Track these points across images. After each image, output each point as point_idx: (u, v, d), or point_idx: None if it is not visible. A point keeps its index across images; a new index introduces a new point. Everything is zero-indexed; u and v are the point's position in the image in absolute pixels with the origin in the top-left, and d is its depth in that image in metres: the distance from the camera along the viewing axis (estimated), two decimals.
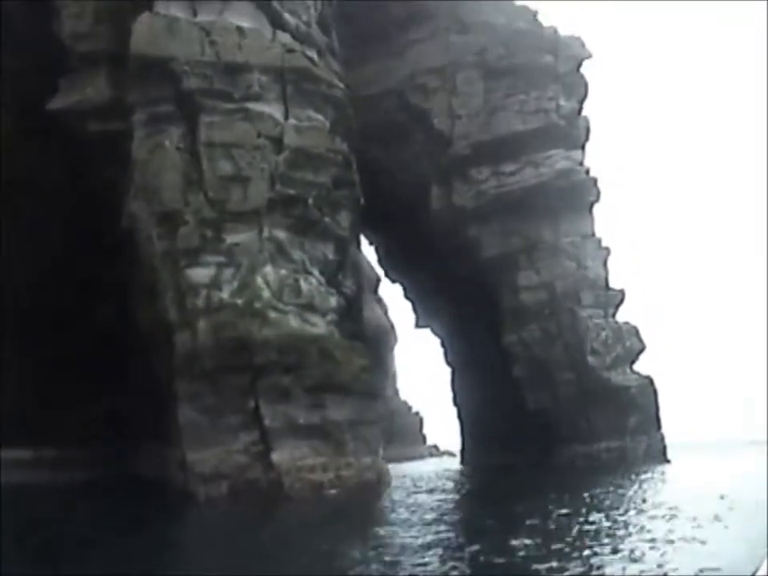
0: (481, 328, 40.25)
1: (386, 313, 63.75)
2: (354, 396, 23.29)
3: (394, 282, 47.56)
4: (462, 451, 45.57)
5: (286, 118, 25.05)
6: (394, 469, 41.61)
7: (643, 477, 28.77)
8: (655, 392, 37.46)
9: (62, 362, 28.53)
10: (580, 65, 39.03)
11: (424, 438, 66.29)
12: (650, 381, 37.43)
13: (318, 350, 23.07)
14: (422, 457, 61.28)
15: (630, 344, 37.67)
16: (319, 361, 22.96)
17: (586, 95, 39.39)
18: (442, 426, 58.19)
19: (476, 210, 37.93)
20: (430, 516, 17.51)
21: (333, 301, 25.51)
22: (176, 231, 23.02)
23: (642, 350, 38.03)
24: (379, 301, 63.71)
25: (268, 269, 23.66)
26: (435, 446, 66.59)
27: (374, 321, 62.46)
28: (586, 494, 21.16)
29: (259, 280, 23.34)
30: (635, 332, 38.00)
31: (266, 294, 23.31)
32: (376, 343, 60.88)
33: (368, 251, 49.61)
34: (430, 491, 24.99)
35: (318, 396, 22.71)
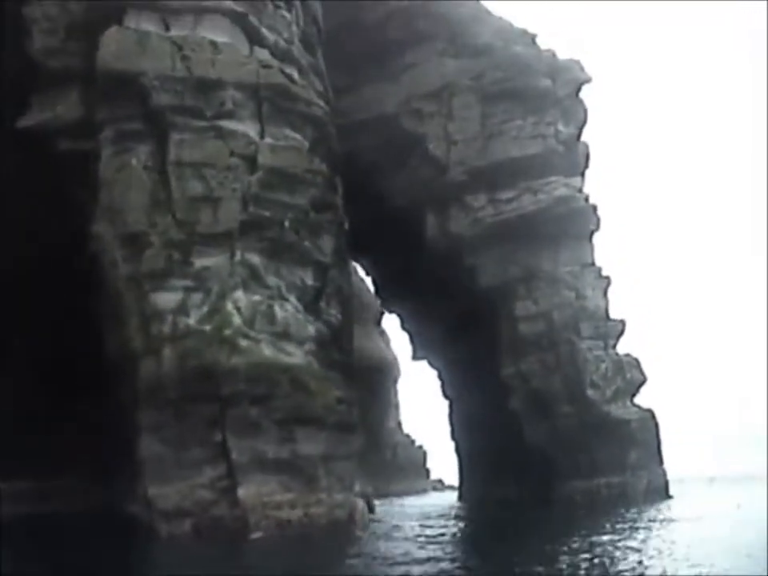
0: (478, 359, 38.67)
1: (388, 344, 62.20)
2: (329, 429, 21.76)
3: (390, 312, 46.12)
4: (461, 486, 43.81)
5: (262, 136, 23.71)
6: (387, 504, 40.23)
7: (646, 518, 26.99)
8: (656, 426, 35.75)
9: (29, 391, 27.18)
10: (579, 89, 37.63)
11: (428, 472, 64.34)
12: (651, 414, 35.73)
13: (289, 380, 21.59)
14: (425, 491, 59.39)
15: (631, 376, 36.01)
16: (291, 391, 21.48)
17: (585, 120, 37.96)
18: (446, 460, 56.36)
19: (472, 238, 36.46)
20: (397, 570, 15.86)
21: (311, 329, 24.04)
22: (141, 254, 21.66)
23: (642, 383, 36.36)
24: (382, 333, 62.21)
25: (239, 294, 22.24)
26: (440, 481, 64.60)
27: (376, 353, 61.08)
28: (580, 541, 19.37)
29: (230, 306, 21.91)
30: (636, 364, 36.34)
31: (237, 320, 21.87)
32: (378, 375, 59.52)
33: (370, 281, 48.45)
34: (414, 534, 23.32)
35: (289, 429, 21.21)
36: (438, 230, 37.14)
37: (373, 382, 58.89)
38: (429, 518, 30.42)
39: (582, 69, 37.34)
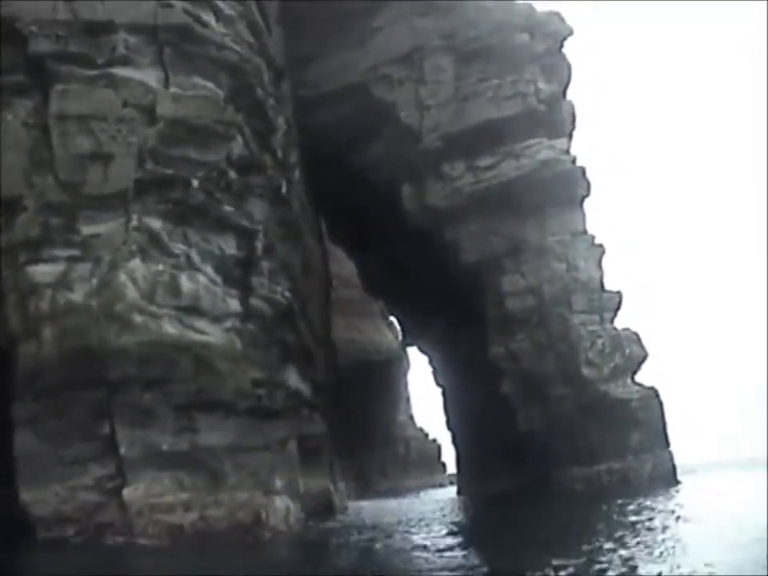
0: (467, 341, 34.84)
1: (397, 337, 58.38)
2: (239, 416, 17.98)
3: (376, 298, 42.37)
4: (459, 479, 39.85)
5: (166, 85, 19.99)
6: (387, 500, 36.42)
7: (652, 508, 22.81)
8: (661, 405, 31.39)
9: None
10: (561, 44, 33.57)
11: (444, 466, 60.42)
12: (655, 392, 31.42)
13: (192, 360, 17.79)
14: (441, 485, 55.49)
15: (630, 352, 31.75)
16: (193, 373, 17.68)
17: (569, 78, 33.87)
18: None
19: (451, 211, 32.53)
20: None
21: (234, 304, 20.34)
22: (15, 221, 18.07)
23: (644, 359, 32.09)
24: (390, 324, 58.42)
25: (136, 264, 18.44)
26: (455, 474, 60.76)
27: (384, 345, 57.41)
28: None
29: (123, 277, 18.11)
30: (636, 339, 32.08)
31: (132, 294, 18.09)
32: (387, 368, 55.74)
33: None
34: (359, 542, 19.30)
35: (189, 416, 17.41)
36: (415, 204, 33.29)
37: (382, 375, 55.34)
38: (410, 518, 26.54)
39: (562, 21, 33.25)
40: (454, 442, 39.35)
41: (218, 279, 19.99)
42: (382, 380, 56.14)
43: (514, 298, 32.29)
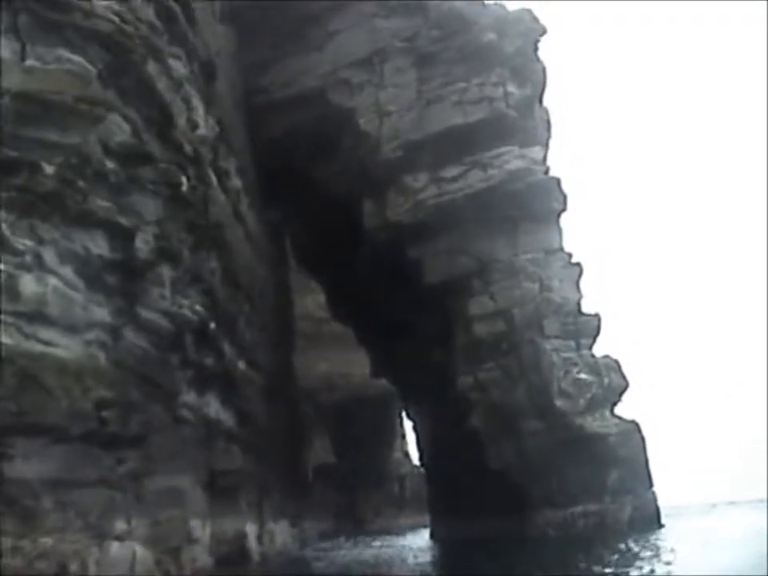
0: (434, 371, 30.89)
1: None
2: (71, 443, 14.22)
3: (346, 325, 38.51)
4: (432, 521, 35.58)
5: (23, 57, 16.50)
6: (360, 544, 32.36)
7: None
8: (643, 440, 27.19)
9: None
10: (535, 45, 29.94)
11: None
12: (636, 426, 27.23)
13: (15, 375, 14.10)
14: None
15: (610, 381, 27.65)
16: (15, 391, 14.03)
17: (544, 81, 30.20)
18: None
19: (414, 227, 28.81)
20: None
21: (100, 313, 16.63)
22: None
23: (624, 389, 27.99)
24: None
25: None
26: None
27: (377, 381, 53.57)
28: None
29: None
30: (616, 367, 28.02)
31: None
32: (380, 405, 51.97)
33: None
34: None
35: (4, 442, 13.74)
36: (376, 220, 29.64)
37: (376, 410, 51.57)
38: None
39: (535, 20, 29.59)
40: (428, 480, 35.20)
41: (79, 284, 16.27)
42: (375, 416, 52.36)
43: (483, 322, 28.45)
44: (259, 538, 23.00)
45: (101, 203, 16.89)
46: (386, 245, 29.44)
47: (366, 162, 29.32)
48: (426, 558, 26.93)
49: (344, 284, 34.34)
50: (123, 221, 17.40)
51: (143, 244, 17.99)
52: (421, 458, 35.21)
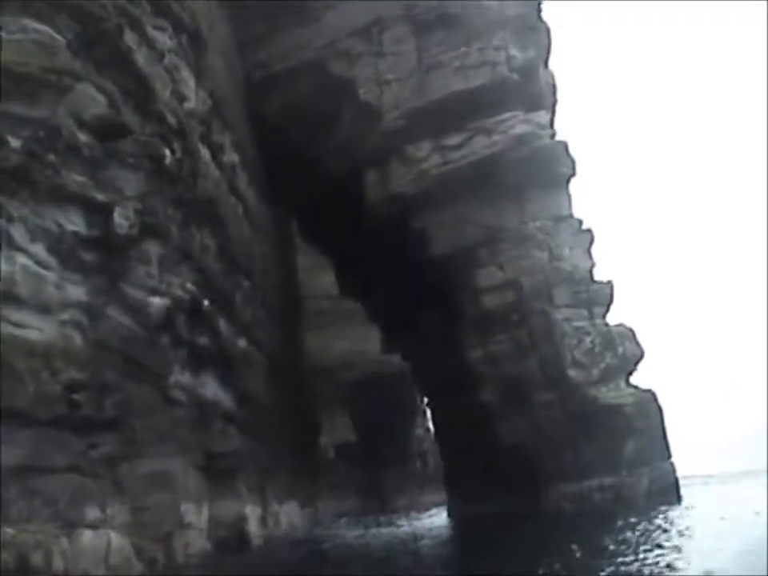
0: (443, 345, 29.91)
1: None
2: (39, 428, 13.36)
3: (354, 301, 37.56)
4: (448, 499, 34.66)
5: None
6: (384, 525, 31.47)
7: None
8: (659, 410, 26.13)
9: None
10: (539, 7, 28.76)
11: None
12: (652, 396, 26.18)
13: None
14: None
15: (624, 350, 26.57)
16: None
17: (549, 45, 29.05)
18: None
19: (418, 197, 27.79)
20: None
21: (76, 292, 15.77)
22: None
23: (640, 358, 26.90)
24: None
25: None
26: None
27: (395, 357, 52.62)
28: None
29: None
30: (631, 335, 26.95)
31: None
32: (399, 381, 51.00)
33: None
34: None
35: None
36: (379, 191, 28.60)
37: (395, 387, 50.59)
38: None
39: None
40: (442, 456, 34.27)
41: (52, 262, 15.41)
42: (396, 393, 51.37)
43: (491, 293, 27.39)
44: (263, 520, 22.19)
45: (75, 178, 16.07)
46: (389, 217, 28.45)
47: (368, 133, 28.22)
48: (440, 537, 26.05)
49: (350, 260, 33.40)
50: (100, 196, 16.58)
51: (123, 219, 17.15)
52: (436, 435, 34.26)
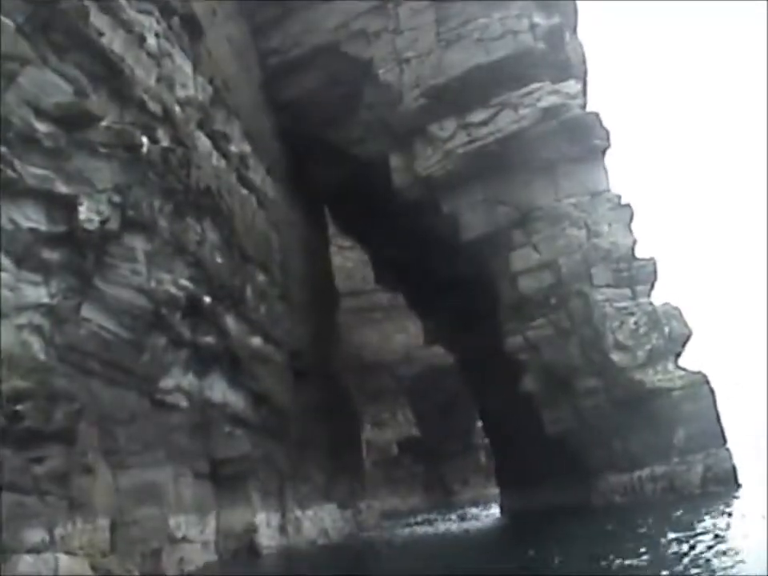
0: (482, 333, 27.90)
1: None
2: None
3: (392, 290, 35.70)
4: (500, 493, 32.54)
5: None
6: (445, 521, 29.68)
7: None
8: (712, 393, 23.73)
9: None
10: None
11: None
12: (704, 378, 23.77)
13: None
14: None
15: (671, 330, 24.22)
16: None
17: (575, 11, 26.81)
18: None
19: (445, 178, 25.84)
20: None
21: (36, 294, 14.27)
22: None
23: (688, 338, 24.51)
24: None
25: None
26: None
27: None
28: None
29: None
30: (678, 314, 24.56)
31: None
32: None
33: None
34: None
35: None
36: (406, 176, 26.75)
37: (455, 379, 48.56)
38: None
39: None
40: (492, 450, 32.24)
41: (6, 263, 13.90)
42: (456, 385, 49.37)
43: (528, 276, 25.34)
44: (281, 528, 20.49)
45: (32, 170, 14.48)
46: (417, 202, 26.53)
47: (389, 115, 26.35)
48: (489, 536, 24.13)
49: (384, 249, 31.57)
50: (64, 189, 14.98)
51: (93, 214, 15.56)
52: (484, 428, 32.26)
